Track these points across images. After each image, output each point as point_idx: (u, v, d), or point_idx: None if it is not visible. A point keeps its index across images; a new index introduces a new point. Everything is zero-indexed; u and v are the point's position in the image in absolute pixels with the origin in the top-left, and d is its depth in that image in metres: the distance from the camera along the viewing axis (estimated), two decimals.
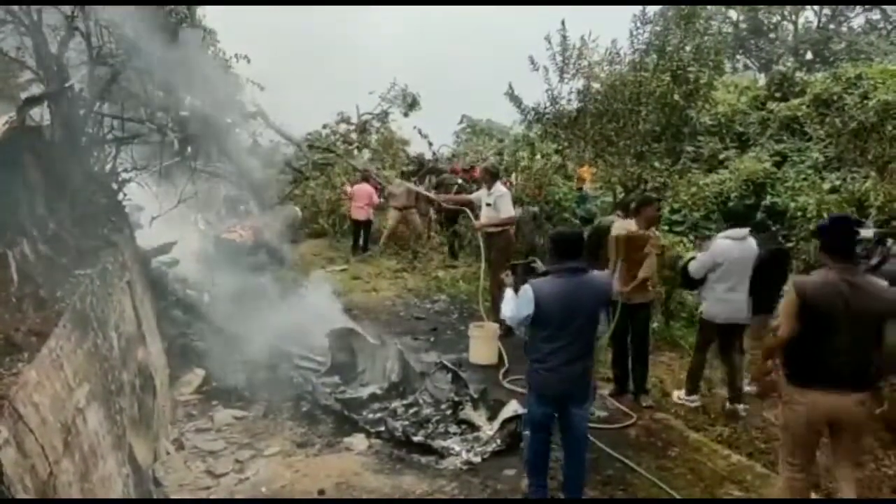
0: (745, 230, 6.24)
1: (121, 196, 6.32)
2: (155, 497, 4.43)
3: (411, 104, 18.36)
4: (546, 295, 4.23)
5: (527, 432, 4.79)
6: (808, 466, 4.15)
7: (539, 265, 4.74)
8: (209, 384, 6.66)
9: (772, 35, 31.17)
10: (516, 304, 4.37)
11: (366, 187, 14.11)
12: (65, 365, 3.12)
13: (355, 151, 17.53)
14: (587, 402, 4.58)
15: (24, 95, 4.83)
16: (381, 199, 14.63)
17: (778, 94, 15.11)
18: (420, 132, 17.36)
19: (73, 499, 2.93)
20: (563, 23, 10.09)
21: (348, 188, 14.37)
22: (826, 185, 11.03)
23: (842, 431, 4.01)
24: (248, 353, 6.99)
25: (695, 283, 6.54)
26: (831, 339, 3.84)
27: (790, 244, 9.69)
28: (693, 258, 6.46)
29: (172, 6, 7.20)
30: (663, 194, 10.79)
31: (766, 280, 6.33)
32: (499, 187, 8.65)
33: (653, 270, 6.42)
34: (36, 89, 5.58)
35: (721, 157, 14.02)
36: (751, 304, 6.27)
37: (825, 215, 9.33)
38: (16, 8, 5.38)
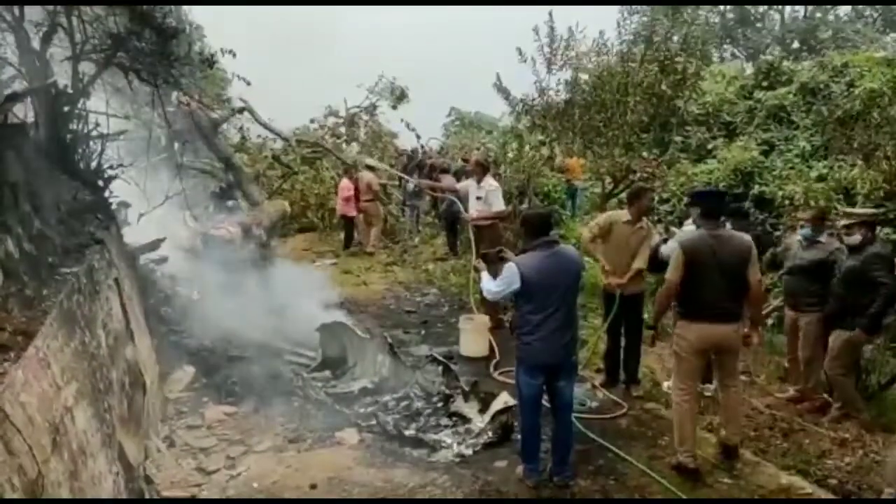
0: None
1: (107, 193, 6.27)
2: (147, 496, 4.41)
3: (399, 97, 18.30)
4: (529, 268, 4.58)
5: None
6: (694, 389, 5.17)
7: (508, 254, 4.89)
8: (199, 381, 6.63)
9: (759, 24, 31.27)
10: (503, 280, 4.67)
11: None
12: (52, 364, 3.10)
13: (343, 145, 17.46)
14: (574, 375, 4.99)
15: (6, 92, 4.78)
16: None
17: (765, 84, 15.15)
18: (408, 125, 17.32)
19: (62, 499, 2.92)
20: (550, 14, 10.09)
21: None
22: (813, 174, 11.11)
23: (723, 354, 5.08)
24: (238, 349, 6.97)
25: (661, 266, 6.66)
26: (707, 282, 4.81)
27: (777, 232, 9.75)
28: (665, 240, 6.51)
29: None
30: (651, 184, 10.82)
31: None
32: (490, 181, 8.60)
33: (647, 261, 6.42)
34: (19, 86, 5.53)
35: (709, 146, 14.07)
36: None
37: (812, 203, 9.41)
38: None
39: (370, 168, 13.99)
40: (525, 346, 4.72)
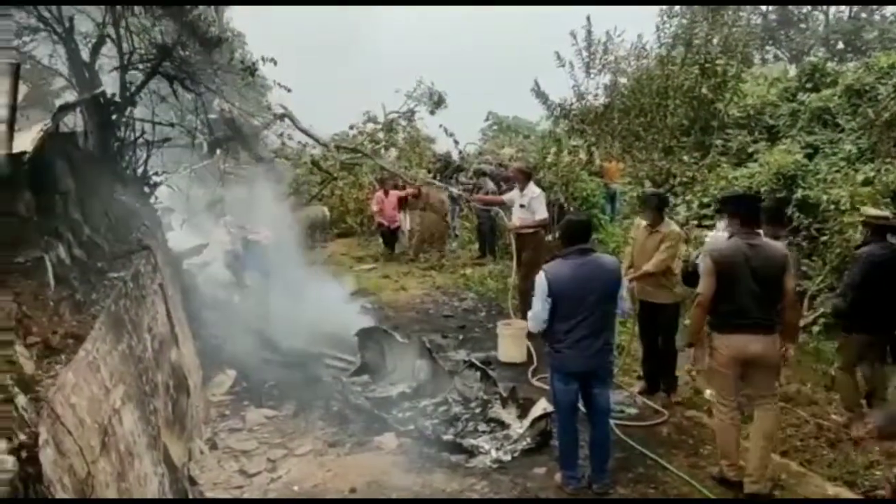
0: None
1: (152, 199, 6.41)
2: (190, 496, 4.49)
3: (437, 102, 18.32)
4: (556, 276, 4.58)
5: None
6: (734, 402, 4.85)
7: None
8: (240, 384, 6.74)
9: (802, 25, 30.62)
10: (537, 294, 4.64)
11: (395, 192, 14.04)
12: (101, 367, 3.18)
13: (382, 151, 17.56)
14: (609, 381, 4.96)
15: (57, 102, 4.93)
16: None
17: (809, 85, 14.79)
18: (446, 130, 17.33)
19: (108, 499, 2.99)
20: (588, 18, 10.06)
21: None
22: (859, 177, 10.79)
23: (757, 368, 4.72)
24: (277, 353, 7.06)
25: (697, 281, 6.56)
26: (741, 292, 4.60)
27: (824, 237, 9.54)
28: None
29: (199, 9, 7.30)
30: (692, 189, 10.67)
31: None
32: (533, 188, 8.57)
33: (659, 266, 6.27)
34: (69, 96, 5.70)
35: (750, 150, 13.80)
36: None
37: (859, 208, 9.16)
38: (48, 15, 5.50)
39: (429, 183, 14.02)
40: (556, 354, 4.71)
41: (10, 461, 2.13)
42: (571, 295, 4.53)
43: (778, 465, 5.13)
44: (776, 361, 4.82)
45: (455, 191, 13.41)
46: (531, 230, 8.46)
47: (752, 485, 4.67)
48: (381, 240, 14.33)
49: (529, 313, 4.84)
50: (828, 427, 5.94)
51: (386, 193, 13.75)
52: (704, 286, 4.75)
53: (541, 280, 4.60)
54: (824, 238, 9.46)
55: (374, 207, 13.81)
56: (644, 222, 6.50)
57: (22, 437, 2.24)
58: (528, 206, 8.40)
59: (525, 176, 8.64)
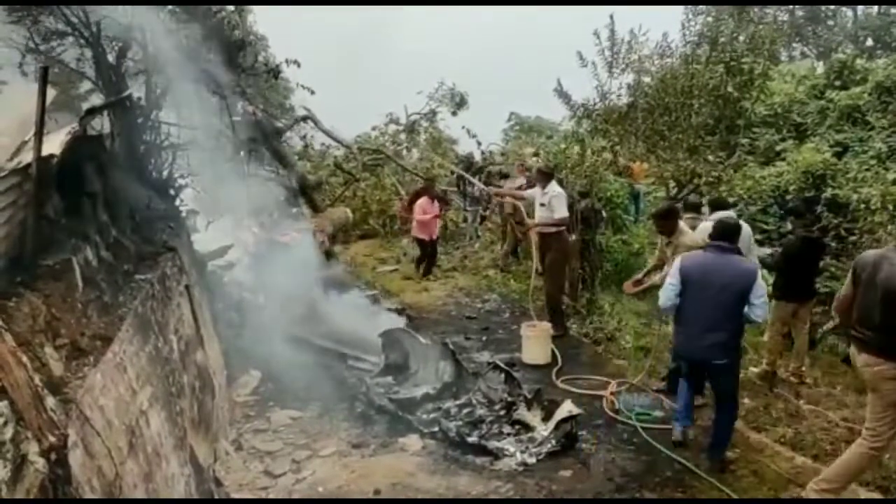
0: (729, 211, 6.76)
1: (178, 201, 6.46)
2: (216, 497, 4.51)
3: (459, 103, 18.34)
4: (691, 262, 4.98)
5: None
6: (884, 434, 4.27)
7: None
8: (265, 385, 6.77)
9: (830, 22, 30.18)
10: (670, 274, 5.09)
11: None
12: (128, 368, 3.20)
13: (404, 152, 17.59)
14: (725, 376, 4.99)
15: (85, 106, 4.97)
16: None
17: (837, 83, 14.62)
18: (468, 132, 17.30)
19: (134, 499, 3.00)
20: (611, 17, 9.97)
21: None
22: (890, 176, 10.63)
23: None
24: (302, 354, 7.08)
25: None
26: (863, 301, 4.22)
27: (853, 237, 9.40)
28: None
29: (223, 13, 7.34)
30: (717, 188, 10.55)
31: (796, 268, 6.62)
32: (554, 187, 8.48)
33: (664, 277, 6.21)
34: (96, 99, 5.75)
35: (778, 148, 13.64)
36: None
37: (890, 207, 9.02)
38: (76, 20, 5.56)
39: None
40: (674, 332, 5.29)
41: (40, 463, 2.14)
42: (694, 282, 4.86)
43: (808, 469, 5.05)
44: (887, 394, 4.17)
45: (485, 190, 13.04)
46: (554, 231, 8.39)
47: (820, 487, 4.51)
48: (418, 258, 12.54)
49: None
50: (859, 431, 5.81)
51: (432, 200, 12.07)
52: (844, 288, 4.47)
53: (677, 261, 5.03)
54: (853, 238, 9.30)
55: (420, 217, 11.94)
56: None
57: (51, 438, 2.25)
58: (548, 205, 8.34)
59: (546, 175, 8.59)
